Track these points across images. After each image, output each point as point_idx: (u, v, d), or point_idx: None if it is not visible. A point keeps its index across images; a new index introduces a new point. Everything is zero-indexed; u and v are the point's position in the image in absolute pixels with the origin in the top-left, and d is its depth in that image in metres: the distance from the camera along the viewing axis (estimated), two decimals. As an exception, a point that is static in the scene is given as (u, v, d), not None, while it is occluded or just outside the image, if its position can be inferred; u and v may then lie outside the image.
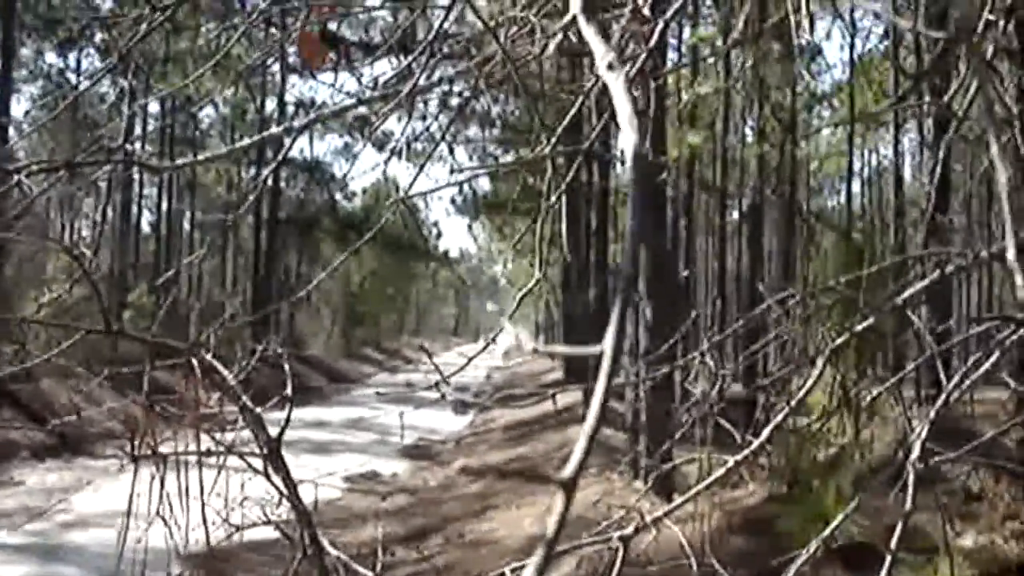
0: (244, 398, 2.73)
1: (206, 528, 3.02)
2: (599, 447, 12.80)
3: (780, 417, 2.83)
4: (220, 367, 2.77)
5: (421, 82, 3.17)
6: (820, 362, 2.90)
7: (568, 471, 0.91)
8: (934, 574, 6.43)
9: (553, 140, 2.97)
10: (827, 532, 2.63)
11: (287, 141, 3.89)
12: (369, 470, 16.86)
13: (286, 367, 3.04)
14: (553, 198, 2.99)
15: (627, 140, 0.97)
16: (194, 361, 2.72)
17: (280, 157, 4.62)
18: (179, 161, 4.62)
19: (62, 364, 18.00)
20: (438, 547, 11.67)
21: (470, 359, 3.28)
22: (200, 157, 6.84)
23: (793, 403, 2.89)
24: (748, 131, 24.07)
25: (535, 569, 0.85)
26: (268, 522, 3.09)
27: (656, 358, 6.70)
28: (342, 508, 13.28)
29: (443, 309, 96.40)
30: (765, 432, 2.76)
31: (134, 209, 36.03)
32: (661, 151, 10.18)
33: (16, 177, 2.93)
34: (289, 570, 2.97)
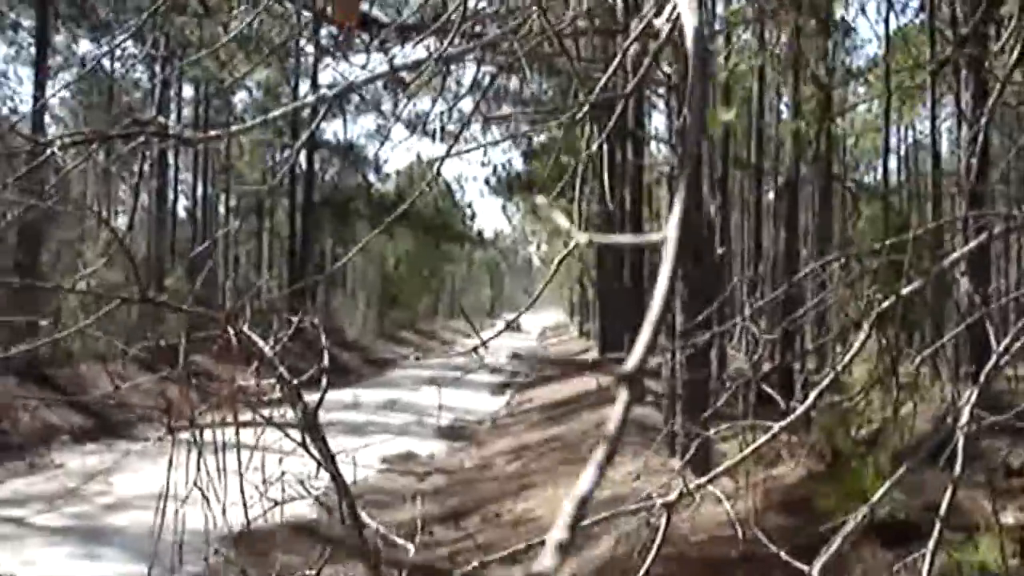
0: (281, 368, 2.71)
1: (245, 506, 3.00)
2: (633, 425, 12.74)
3: (826, 382, 2.78)
4: (256, 337, 2.75)
5: (454, 49, 3.13)
6: (866, 326, 2.84)
7: (630, 364, 0.89)
8: (975, 551, 6.36)
9: (594, 93, 2.93)
10: (875, 499, 2.58)
11: (321, 110, 3.87)
12: (406, 451, 16.89)
13: (322, 338, 3.02)
14: (594, 146, 2.94)
15: (688, 22, 0.93)
16: (230, 330, 2.70)
17: (315, 124, 4.60)
18: (212, 132, 4.62)
19: (99, 346, 18.17)
20: (475, 527, 11.67)
21: (509, 323, 3.24)
22: (234, 128, 6.85)
23: (839, 367, 2.84)
24: (783, 107, 23.88)
25: (597, 466, 0.84)
26: (307, 495, 3.06)
27: (691, 329, 6.65)
28: (379, 488, 13.30)
29: (478, 291, 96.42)
30: (812, 396, 2.71)
31: (170, 195, 36.29)
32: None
33: (50, 150, 2.92)
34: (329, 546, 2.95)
